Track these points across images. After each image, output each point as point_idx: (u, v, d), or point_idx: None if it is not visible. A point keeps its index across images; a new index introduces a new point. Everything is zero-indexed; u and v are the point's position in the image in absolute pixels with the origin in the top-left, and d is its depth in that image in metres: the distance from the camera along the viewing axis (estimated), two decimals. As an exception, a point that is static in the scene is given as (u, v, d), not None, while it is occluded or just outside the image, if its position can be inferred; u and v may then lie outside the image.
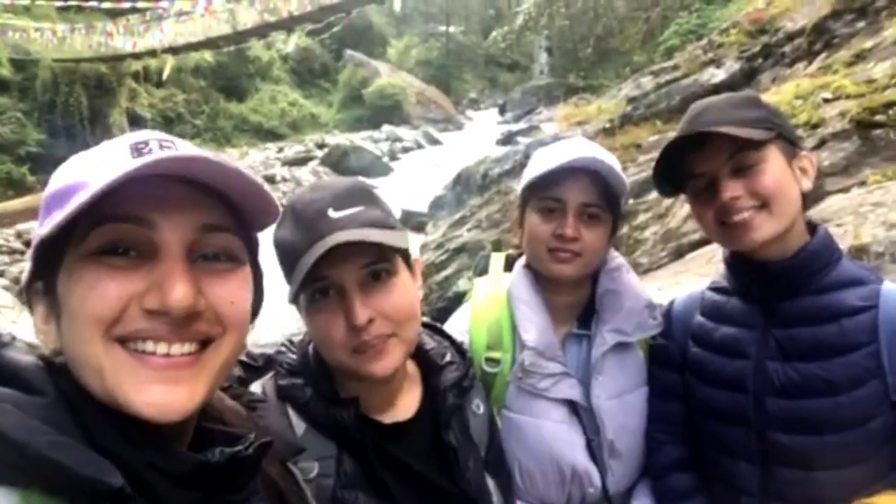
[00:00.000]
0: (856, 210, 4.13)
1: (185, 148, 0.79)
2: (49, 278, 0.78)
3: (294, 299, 1.24)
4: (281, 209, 0.88)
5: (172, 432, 0.80)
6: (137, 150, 0.77)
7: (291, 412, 1.27)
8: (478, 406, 1.49)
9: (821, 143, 5.08)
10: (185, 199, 0.78)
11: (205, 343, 0.78)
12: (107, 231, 0.74)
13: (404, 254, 1.28)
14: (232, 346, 0.82)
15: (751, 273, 1.56)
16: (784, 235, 1.49)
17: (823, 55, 7.10)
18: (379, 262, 1.21)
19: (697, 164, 1.52)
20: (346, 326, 1.19)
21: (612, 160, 1.64)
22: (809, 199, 1.57)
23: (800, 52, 7.69)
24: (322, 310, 1.21)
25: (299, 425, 1.26)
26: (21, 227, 15.37)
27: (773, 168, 1.47)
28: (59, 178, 0.80)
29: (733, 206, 1.47)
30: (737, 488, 1.58)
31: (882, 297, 1.47)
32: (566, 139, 1.78)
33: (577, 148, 1.64)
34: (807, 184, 1.52)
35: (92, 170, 0.76)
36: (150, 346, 0.74)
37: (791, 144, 1.53)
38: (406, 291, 1.25)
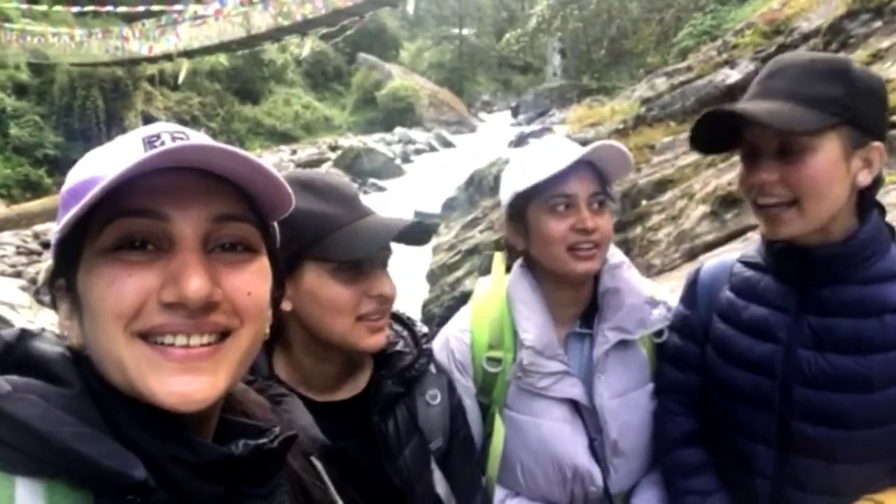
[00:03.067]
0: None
1: (197, 138, 0.79)
2: (69, 275, 0.78)
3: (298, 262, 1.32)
4: (294, 199, 0.87)
5: (196, 424, 0.80)
6: (150, 143, 0.78)
7: None
8: (433, 397, 1.49)
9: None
10: (198, 189, 0.78)
11: (224, 335, 0.78)
12: (121, 226, 0.74)
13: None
14: (251, 337, 0.82)
15: (790, 256, 1.47)
16: (823, 227, 1.40)
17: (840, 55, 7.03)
18: (386, 249, 1.37)
19: (746, 131, 1.41)
20: (359, 296, 1.31)
21: (605, 145, 1.62)
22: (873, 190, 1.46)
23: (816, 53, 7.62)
24: (341, 282, 1.31)
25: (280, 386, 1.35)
26: (38, 228, 15.55)
27: (822, 160, 1.34)
28: (75, 174, 0.80)
29: (763, 190, 1.39)
30: (751, 470, 1.53)
31: None
32: (541, 142, 1.79)
33: (568, 146, 1.64)
34: (866, 177, 1.39)
35: (105, 164, 0.76)
36: (169, 339, 0.75)
37: (863, 132, 1.37)
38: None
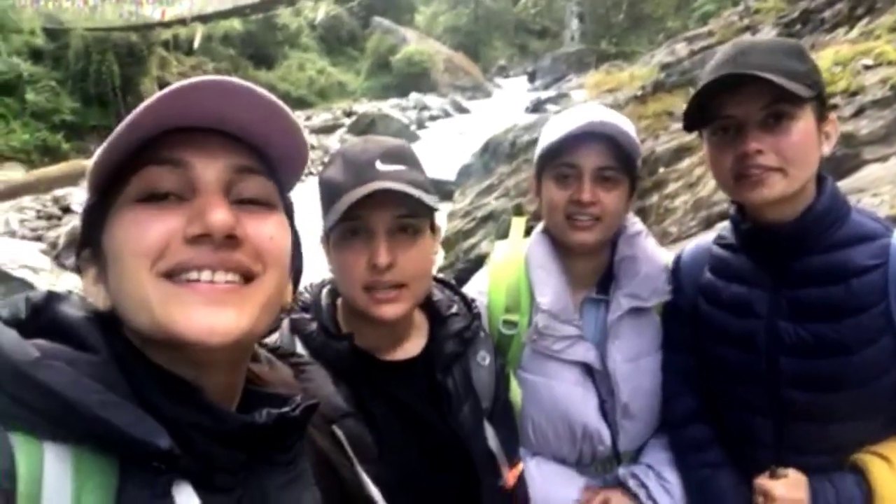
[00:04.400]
0: (894, 180, 4.02)
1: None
2: (96, 238, 0.80)
3: (327, 234, 1.37)
4: (310, 154, 0.90)
5: (220, 393, 0.82)
6: None
7: (298, 343, 1.42)
8: (483, 358, 1.54)
9: (859, 111, 4.94)
10: (219, 144, 0.80)
11: (247, 280, 0.79)
12: (144, 176, 0.76)
13: (431, 219, 1.42)
14: (275, 283, 0.82)
15: (756, 234, 1.54)
16: (794, 195, 1.45)
17: (865, 20, 6.84)
18: (410, 217, 1.34)
19: (729, 106, 1.45)
20: (366, 266, 1.32)
21: (624, 123, 1.63)
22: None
23: (840, 18, 7.42)
24: (349, 247, 1.35)
25: (303, 354, 1.37)
26: (58, 192, 15.66)
27: (804, 128, 1.42)
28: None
29: (754, 158, 1.42)
30: (752, 441, 1.60)
31: (892, 253, 1.44)
32: (580, 107, 1.77)
33: (589, 113, 1.63)
34: (827, 149, 1.48)
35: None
36: (194, 274, 0.75)
37: (823, 106, 1.48)
38: (426, 251, 1.38)
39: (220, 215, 0.75)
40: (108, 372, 0.73)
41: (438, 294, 1.58)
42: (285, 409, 0.85)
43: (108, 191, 0.79)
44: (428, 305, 1.55)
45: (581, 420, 1.69)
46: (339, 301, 1.49)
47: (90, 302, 0.81)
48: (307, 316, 1.44)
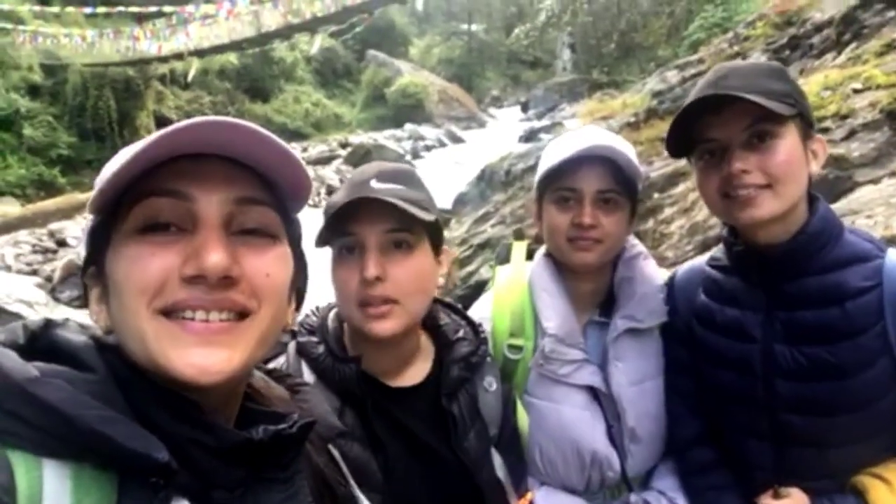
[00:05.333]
0: (887, 201, 4.06)
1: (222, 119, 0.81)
2: (100, 260, 0.81)
3: (319, 245, 1.38)
4: (313, 183, 0.90)
5: (217, 409, 0.82)
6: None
7: (304, 366, 1.41)
8: (490, 384, 1.52)
9: (850, 134, 5.00)
10: (222, 173, 0.80)
11: (242, 316, 0.80)
12: (146, 206, 0.77)
13: (433, 237, 1.40)
14: (269, 319, 0.83)
15: (748, 256, 1.52)
16: (785, 215, 1.44)
17: (853, 45, 6.98)
18: (401, 232, 1.33)
19: (712, 129, 1.45)
20: (359, 281, 1.31)
21: (624, 146, 1.63)
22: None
23: (828, 43, 7.57)
24: (344, 263, 1.35)
25: (309, 377, 1.39)
26: (53, 226, 15.69)
27: (789, 146, 1.41)
28: (110, 164, 0.82)
29: (740, 179, 1.41)
30: (750, 464, 1.58)
31: (885, 273, 1.43)
32: (579, 130, 1.77)
33: (588, 137, 1.63)
34: (815, 168, 1.47)
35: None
36: (189, 313, 0.76)
37: (808, 126, 1.47)
38: (421, 268, 1.36)
39: (214, 258, 0.75)
40: (107, 389, 0.73)
41: (445, 318, 1.56)
42: (282, 425, 0.85)
43: (112, 213, 0.79)
44: (434, 329, 1.53)
45: (590, 445, 1.65)
46: (346, 324, 1.47)
47: (87, 328, 0.82)
48: (314, 339, 1.43)
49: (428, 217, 1.33)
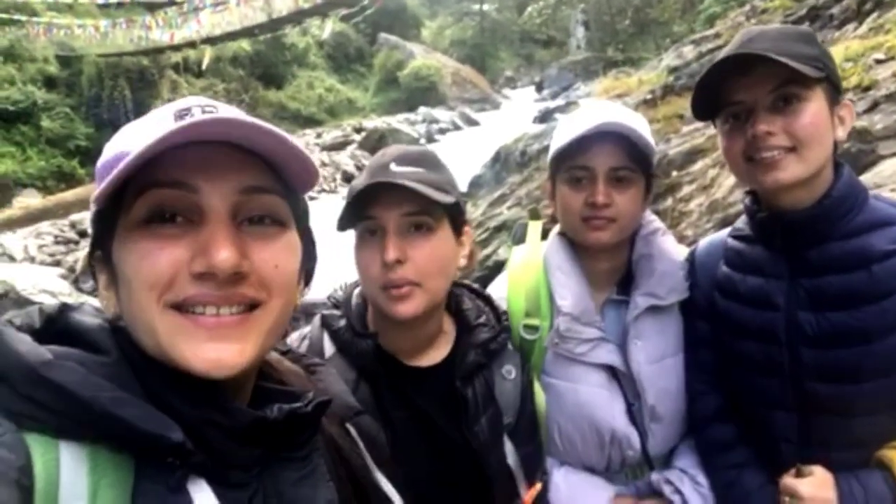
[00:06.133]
0: (911, 174, 3.98)
1: (226, 111, 0.80)
2: (106, 246, 0.81)
3: (341, 229, 1.41)
4: (319, 172, 0.90)
5: (230, 390, 0.82)
6: (181, 116, 0.79)
7: (326, 338, 1.47)
8: (508, 371, 1.54)
9: (873, 106, 4.90)
10: (227, 162, 0.79)
11: (252, 307, 0.80)
12: (151, 197, 0.76)
13: (454, 219, 1.41)
14: (279, 309, 0.83)
15: (772, 222, 1.51)
16: (810, 180, 1.43)
17: (874, 15, 6.81)
18: (420, 215, 1.34)
19: (738, 91, 1.44)
20: (380, 264, 1.33)
21: (636, 120, 1.61)
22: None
23: (849, 13, 7.40)
24: (367, 246, 1.38)
25: (329, 348, 1.46)
26: (74, 217, 15.89)
27: (815, 110, 1.40)
28: (109, 148, 0.83)
29: (765, 141, 1.40)
30: (775, 436, 1.56)
31: None
32: (591, 106, 1.74)
33: (599, 113, 1.60)
34: (842, 133, 1.46)
35: (138, 138, 0.78)
36: (199, 309, 0.77)
37: (835, 91, 1.45)
38: (442, 250, 1.38)
39: (223, 255, 0.75)
40: (120, 371, 0.74)
41: (468, 303, 1.57)
42: (297, 404, 0.85)
43: (116, 200, 0.78)
44: (457, 313, 1.55)
45: (608, 424, 1.65)
46: (369, 302, 1.51)
47: (101, 311, 0.83)
48: (337, 313, 1.49)
49: (447, 199, 1.34)
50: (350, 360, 1.43)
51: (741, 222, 1.65)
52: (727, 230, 1.72)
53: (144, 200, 0.76)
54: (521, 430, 1.53)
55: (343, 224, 1.39)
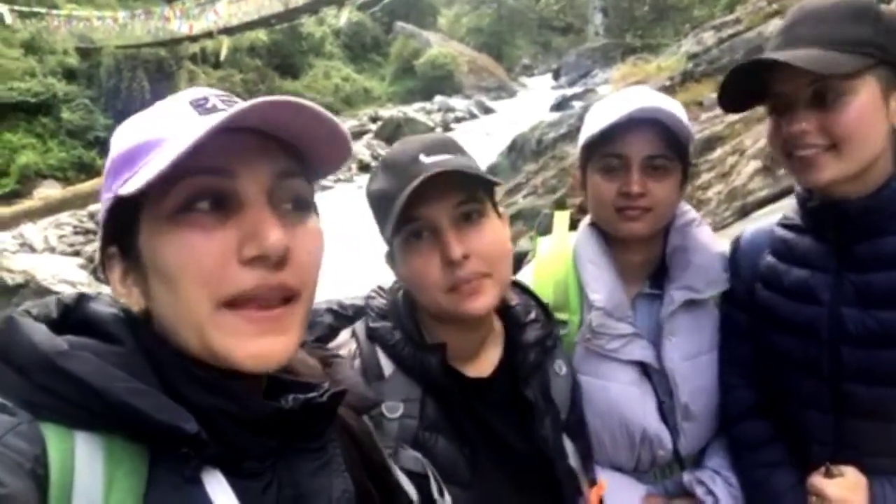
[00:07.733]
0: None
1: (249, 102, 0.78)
2: (126, 240, 0.79)
3: (390, 245, 1.29)
4: (352, 149, 0.87)
5: (246, 380, 0.81)
6: (198, 105, 0.78)
7: (380, 353, 1.31)
8: (560, 367, 1.45)
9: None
10: (260, 147, 0.78)
11: (286, 300, 0.79)
12: (188, 185, 0.74)
13: (492, 200, 1.31)
14: (310, 299, 0.83)
15: (824, 211, 1.42)
16: (859, 174, 1.33)
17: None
18: (470, 203, 1.23)
19: (776, 83, 1.34)
20: (441, 265, 1.21)
21: (672, 105, 1.54)
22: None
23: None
24: (417, 251, 1.23)
25: (388, 366, 1.30)
26: (93, 208, 16.05)
27: (859, 104, 1.28)
28: (126, 139, 0.80)
29: (799, 139, 1.32)
30: (808, 437, 1.49)
31: None
32: (622, 91, 1.69)
33: (634, 99, 1.53)
34: None
35: (160, 127, 0.77)
36: (250, 304, 0.76)
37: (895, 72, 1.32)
38: (497, 233, 1.27)
39: (275, 235, 0.74)
40: (134, 362, 0.73)
41: (515, 298, 1.45)
42: (312, 394, 0.85)
43: (141, 191, 0.73)
44: (504, 311, 1.42)
45: (639, 423, 1.58)
46: (421, 308, 1.36)
47: (120, 300, 0.82)
48: (388, 324, 1.34)
49: (494, 179, 1.28)
50: (413, 375, 1.29)
51: (792, 211, 1.56)
52: (775, 218, 1.63)
53: (181, 188, 0.74)
54: (574, 427, 1.46)
55: (392, 234, 1.24)
